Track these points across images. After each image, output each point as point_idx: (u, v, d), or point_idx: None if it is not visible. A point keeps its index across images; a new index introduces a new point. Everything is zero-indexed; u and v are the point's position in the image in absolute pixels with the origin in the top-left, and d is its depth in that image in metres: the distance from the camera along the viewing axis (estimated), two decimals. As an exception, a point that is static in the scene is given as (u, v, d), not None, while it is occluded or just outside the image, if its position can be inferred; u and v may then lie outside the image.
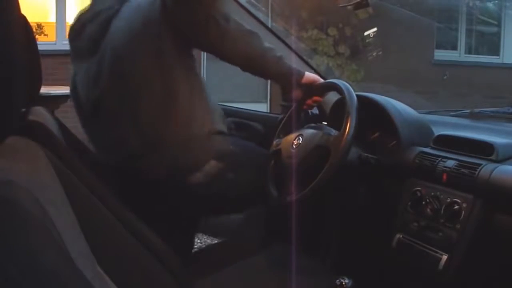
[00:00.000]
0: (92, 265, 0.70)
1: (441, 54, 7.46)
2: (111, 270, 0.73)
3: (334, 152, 1.23)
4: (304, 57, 1.78)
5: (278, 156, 1.43)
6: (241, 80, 6.29)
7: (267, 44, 1.39)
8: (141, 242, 0.88)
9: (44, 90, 0.90)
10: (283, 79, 1.44)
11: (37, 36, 5.89)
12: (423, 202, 1.27)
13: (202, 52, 1.49)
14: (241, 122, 1.91)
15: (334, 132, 1.30)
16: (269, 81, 6.57)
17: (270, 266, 1.28)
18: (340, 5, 1.44)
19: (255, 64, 1.38)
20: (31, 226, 0.57)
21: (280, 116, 1.72)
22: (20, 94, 0.68)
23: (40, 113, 0.91)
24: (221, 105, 1.55)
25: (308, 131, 1.36)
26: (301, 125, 1.47)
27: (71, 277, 0.61)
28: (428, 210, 1.26)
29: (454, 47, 7.71)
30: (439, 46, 7.57)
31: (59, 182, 0.72)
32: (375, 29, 6.60)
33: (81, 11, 1.42)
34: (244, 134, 1.77)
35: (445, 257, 1.20)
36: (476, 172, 1.18)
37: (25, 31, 0.75)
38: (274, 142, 1.49)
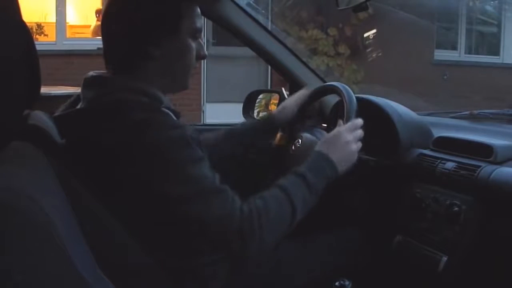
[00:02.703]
0: (93, 269, 0.70)
1: (441, 54, 7.46)
2: (111, 273, 0.73)
3: None
4: (303, 60, 1.78)
5: (278, 152, 1.45)
6: (241, 80, 6.31)
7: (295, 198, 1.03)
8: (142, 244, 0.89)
9: (44, 90, 0.90)
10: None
11: (37, 36, 5.88)
12: (423, 204, 1.27)
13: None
14: None
15: None
16: (269, 82, 6.60)
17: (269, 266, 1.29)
18: (340, 8, 1.44)
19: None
20: (33, 232, 0.58)
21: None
22: (21, 98, 0.69)
23: (40, 118, 0.91)
24: (222, 125, 1.50)
25: (307, 136, 1.37)
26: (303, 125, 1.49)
27: (72, 281, 0.61)
28: (428, 212, 1.26)
29: (454, 47, 7.71)
30: (439, 46, 7.56)
31: (60, 187, 0.72)
32: (374, 30, 6.61)
33: None
34: None
35: (444, 258, 1.20)
36: (475, 174, 1.18)
37: (25, 35, 0.75)
38: (278, 136, 1.50)
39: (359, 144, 1.16)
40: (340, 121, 1.20)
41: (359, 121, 1.19)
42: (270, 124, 1.47)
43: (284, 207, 1.01)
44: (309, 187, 1.05)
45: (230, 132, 1.44)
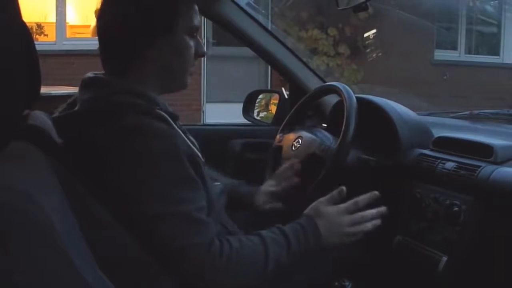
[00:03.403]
0: (93, 269, 0.70)
1: (441, 54, 7.46)
2: (111, 273, 0.73)
3: (329, 164, 1.25)
4: (303, 60, 1.78)
5: (278, 152, 1.45)
6: (241, 80, 6.31)
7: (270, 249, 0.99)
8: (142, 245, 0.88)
9: (44, 90, 0.90)
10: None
11: (37, 36, 5.88)
12: (423, 204, 1.27)
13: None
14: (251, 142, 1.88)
15: (331, 140, 1.32)
16: (269, 82, 6.60)
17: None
18: (340, 8, 1.44)
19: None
20: (33, 232, 0.58)
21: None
22: (21, 98, 0.69)
23: (40, 118, 0.91)
24: (222, 125, 1.48)
25: (307, 136, 1.37)
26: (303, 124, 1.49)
27: (72, 281, 0.61)
28: (428, 212, 1.26)
29: (454, 47, 7.71)
30: (439, 46, 7.57)
31: (60, 187, 0.72)
32: (374, 30, 6.61)
33: None
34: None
35: (444, 258, 1.20)
36: (476, 174, 1.18)
37: (25, 35, 0.75)
38: (278, 136, 1.50)
39: (357, 228, 1.08)
40: (343, 187, 1.11)
41: (362, 199, 1.10)
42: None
43: (257, 259, 0.97)
44: (288, 249, 1.01)
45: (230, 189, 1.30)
